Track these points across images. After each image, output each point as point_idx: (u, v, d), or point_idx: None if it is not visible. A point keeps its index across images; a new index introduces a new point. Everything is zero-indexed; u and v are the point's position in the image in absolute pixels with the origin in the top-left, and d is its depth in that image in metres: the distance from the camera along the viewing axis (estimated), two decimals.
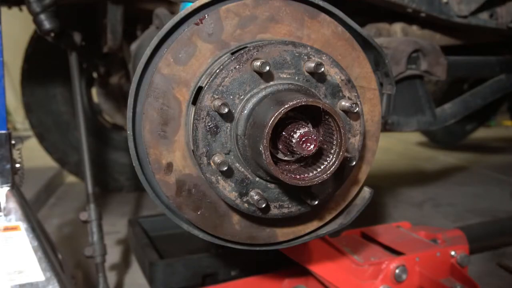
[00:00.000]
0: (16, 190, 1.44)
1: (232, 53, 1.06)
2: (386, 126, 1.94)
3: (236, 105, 1.02)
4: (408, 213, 3.06)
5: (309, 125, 1.03)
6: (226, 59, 1.03)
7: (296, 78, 1.05)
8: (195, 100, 1.04)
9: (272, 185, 1.08)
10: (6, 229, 1.38)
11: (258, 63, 0.99)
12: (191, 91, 1.06)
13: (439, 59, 1.99)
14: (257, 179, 1.07)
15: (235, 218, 1.14)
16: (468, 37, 2.28)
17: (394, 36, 2.12)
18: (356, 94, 1.10)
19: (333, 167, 1.01)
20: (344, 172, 1.16)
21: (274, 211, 1.09)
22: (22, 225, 1.39)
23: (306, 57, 1.05)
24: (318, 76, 1.07)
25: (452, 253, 1.76)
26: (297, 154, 0.98)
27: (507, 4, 2.06)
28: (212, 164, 1.02)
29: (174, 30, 1.06)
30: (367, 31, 2.14)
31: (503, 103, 5.26)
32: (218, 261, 1.87)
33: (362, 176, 1.24)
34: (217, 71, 1.00)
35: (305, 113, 1.02)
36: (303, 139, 0.99)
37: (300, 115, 1.02)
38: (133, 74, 1.06)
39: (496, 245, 2.39)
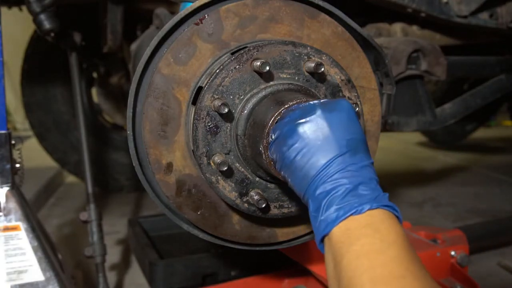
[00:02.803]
0: (16, 190, 1.44)
1: (232, 53, 1.06)
2: (386, 126, 1.94)
3: (236, 105, 1.02)
4: (408, 213, 3.06)
5: None
6: (226, 59, 1.03)
7: (296, 78, 1.06)
8: (195, 100, 1.04)
9: (272, 185, 1.08)
10: (6, 229, 1.39)
11: (258, 63, 0.99)
12: (191, 91, 1.06)
13: (439, 59, 1.99)
14: (257, 179, 1.07)
15: (235, 218, 1.14)
16: (468, 37, 2.28)
17: (394, 36, 2.12)
18: (356, 94, 1.10)
19: None
20: None
21: (274, 211, 1.09)
22: (22, 225, 1.40)
23: (306, 57, 1.05)
24: (318, 76, 1.07)
25: (452, 253, 1.76)
26: None
27: (507, 4, 2.06)
28: (212, 164, 1.02)
29: (174, 30, 1.06)
30: (367, 31, 2.14)
31: (503, 103, 5.25)
32: (218, 261, 1.87)
33: None
34: (217, 71, 1.00)
35: None
36: None
37: None
38: (133, 74, 1.06)
39: (496, 245, 2.39)
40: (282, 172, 0.92)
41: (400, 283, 0.70)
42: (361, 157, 0.85)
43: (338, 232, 0.79)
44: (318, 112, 0.87)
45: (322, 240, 0.83)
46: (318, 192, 0.83)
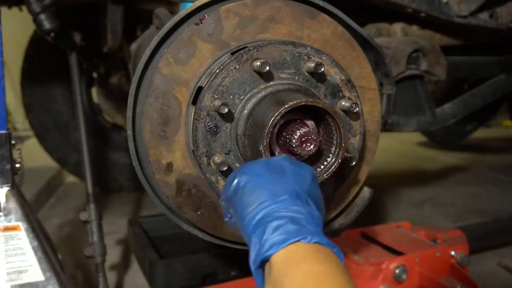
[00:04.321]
0: (16, 190, 1.44)
1: (232, 53, 1.06)
2: (386, 126, 1.94)
3: (236, 105, 1.02)
4: (408, 213, 3.05)
5: (310, 124, 1.03)
6: (226, 59, 1.03)
7: (296, 78, 1.06)
8: (195, 100, 1.04)
9: None
10: (6, 229, 1.38)
11: (258, 63, 0.99)
12: (191, 91, 1.06)
13: (439, 59, 1.99)
14: None
15: None
16: (468, 37, 2.28)
17: (394, 36, 2.12)
18: (356, 94, 1.10)
19: (333, 167, 1.01)
20: (344, 172, 1.16)
21: None
22: (22, 225, 1.39)
23: (306, 57, 1.05)
24: (318, 76, 1.07)
25: (452, 253, 1.76)
26: (297, 154, 0.99)
27: (507, 4, 2.06)
28: (212, 164, 1.02)
29: (174, 30, 1.06)
30: (367, 31, 2.13)
31: (503, 103, 5.25)
32: (218, 261, 1.87)
33: (362, 176, 1.24)
34: (217, 71, 1.00)
35: (305, 113, 1.02)
36: (303, 139, 0.99)
37: (300, 115, 1.02)
38: (133, 74, 1.07)
39: (496, 245, 2.38)
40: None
41: None
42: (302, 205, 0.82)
43: (283, 253, 0.74)
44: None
45: (260, 264, 0.78)
46: (261, 216, 0.79)
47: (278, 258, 0.74)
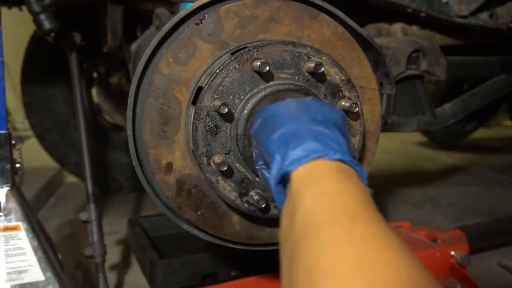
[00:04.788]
0: (16, 190, 1.44)
1: (232, 53, 1.06)
2: (386, 126, 1.94)
3: (236, 105, 1.02)
4: (408, 213, 3.05)
5: None
6: (226, 59, 1.03)
7: (296, 78, 1.06)
8: (195, 100, 1.04)
9: None
10: (6, 229, 1.38)
11: (258, 63, 0.99)
12: (191, 91, 1.06)
13: (439, 59, 1.99)
14: (257, 179, 1.07)
15: (235, 218, 1.14)
16: (468, 37, 2.28)
17: (394, 36, 2.12)
18: (356, 94, 1.10)
19: None
20: None
21: (274, 211, 1.09)
22: (22, 225, 1.40)
23: (306, 57, 1.05)
24: (318, 76, 1.07)
25: (452, 253, 1.76)
26: None
27: (507, 4, 2.06)
28: (212, 164, 1.02)
29: (174, 30, 1.06)
30: (367, 31, 2.13)
31: (503, 103, 5.25)
32: (218, 261, 1.87)
33: None
34: (217, 71, 1.00)
35: None
36: None
37: None
38: (133, 74, 1.07)
39: (496, 245, 2.38)
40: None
41: (366, 221, 0.64)
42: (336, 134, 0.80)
43: (303, 170, 0.71)
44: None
45: (280, 180, 0.75)
46: (284, 130, 0.78)
47: (299, 174, 0.72)
